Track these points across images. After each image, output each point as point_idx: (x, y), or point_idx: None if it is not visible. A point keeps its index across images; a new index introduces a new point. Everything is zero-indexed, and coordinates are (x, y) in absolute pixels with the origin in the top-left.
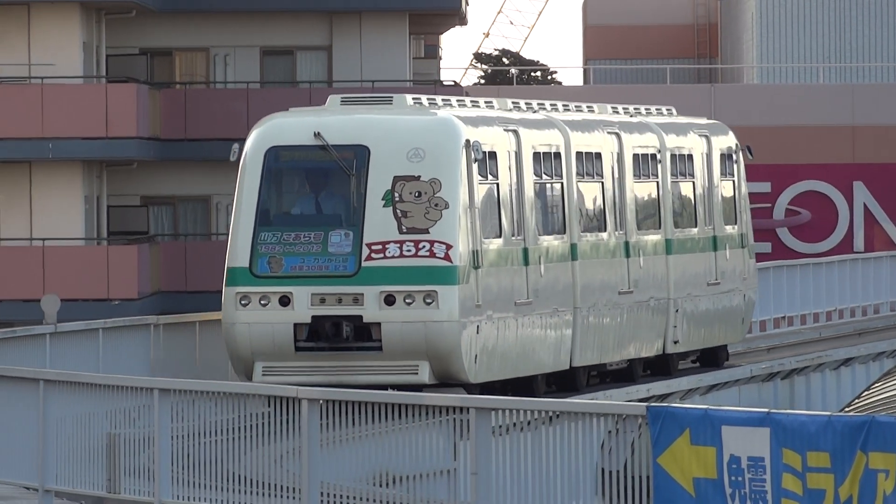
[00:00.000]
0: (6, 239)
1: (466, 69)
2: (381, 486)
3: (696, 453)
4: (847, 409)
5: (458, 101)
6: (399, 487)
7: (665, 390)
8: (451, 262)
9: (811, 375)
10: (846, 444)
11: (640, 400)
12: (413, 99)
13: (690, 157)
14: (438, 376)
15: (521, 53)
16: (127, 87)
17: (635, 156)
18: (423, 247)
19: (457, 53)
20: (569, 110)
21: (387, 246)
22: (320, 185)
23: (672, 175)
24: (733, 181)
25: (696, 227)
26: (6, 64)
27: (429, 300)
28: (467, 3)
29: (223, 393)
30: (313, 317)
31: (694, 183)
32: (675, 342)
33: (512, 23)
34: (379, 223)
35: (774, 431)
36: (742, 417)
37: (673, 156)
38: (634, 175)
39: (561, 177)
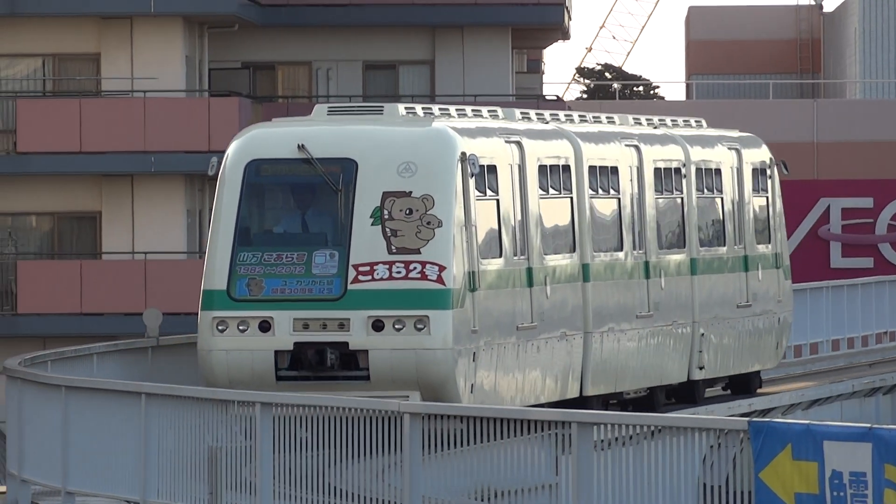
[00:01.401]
0: (108, 252)
1: (569, 84)
2: (482, 500)
3: (798, 468)
4: None
5: (457, 110)
6: (500, 502)
7: (767, 405)
8: (444, 284)
9: None
10: None
11: (742, 415)
12: (406, 109)
13: (718, 171)
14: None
15: (623, 68)
16: (229, 100)
17: (657, 169)
18: (414, 268)
19: (559, 68)
20: (585, 121)
21: (375, 267)
22: (304, 202)
23: (698, 190)
24: (767, 197)
25: (724, 245)
26: (109, 78)
27: (420, 326)
28: (570, 18)
29: (323, 406)
30: (296, 343)
31: (722, 199)
32: (701, 368)
33: (615, 37)
34: (367, 243)
35: (876, 447)
36: (844, 432)
37: (699, 169)
38: (656, 190)
39: (570, 191)
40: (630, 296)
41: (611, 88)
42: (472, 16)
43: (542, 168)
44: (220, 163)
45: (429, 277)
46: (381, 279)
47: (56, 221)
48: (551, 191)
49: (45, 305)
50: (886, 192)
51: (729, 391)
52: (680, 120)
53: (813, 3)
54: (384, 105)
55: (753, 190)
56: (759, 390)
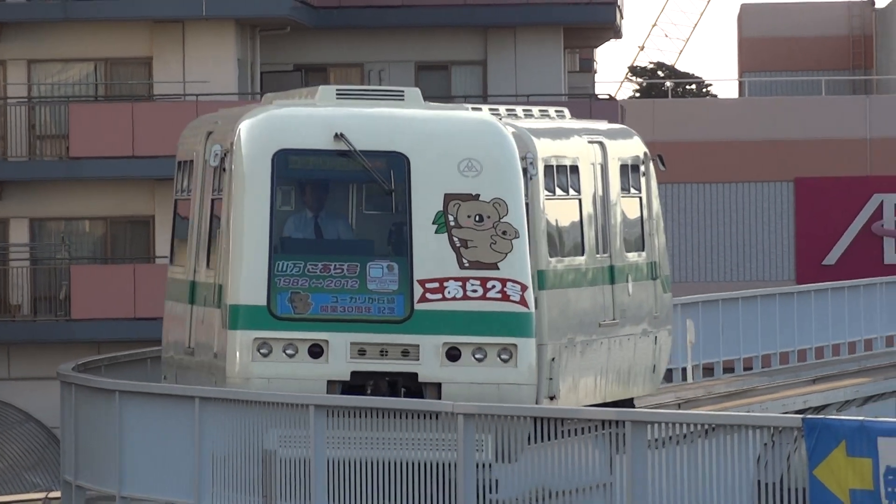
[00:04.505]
0: (162, 257)
1: (622, 83)
2: (537, 501)
3: (852, 465)
4: None
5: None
6: (556, 502)
7: (821, 402)
8: (528, 307)
9: None
10: None
11: (797, 412)
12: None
13: (575, 168)
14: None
15: (676, 66)
16: None
17: None
18: (493, 286)
19: (612, 67)
20: None
21: (445, 284)
22: (348, 203)
23: (547, 190)
24: (640, 197)
25: (582, 254)
26: (161, 82)
27: (505, 356)
28: (622, 17)
29: (381, 409)
30: (353, 373)
31: (580, 200)
32: (552, 398)
33: (667, 36)
34: (432, 254)
35: None
36: None
37: (548, 167)
38: None
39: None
40: None
41: (663, 87)
42: (525, 16)
43: None
44: (226, 151)
45: (511, 298)
46: (454, 298)
47: (109, 226)
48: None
49: (98, 310)
50: None
51: None
52: (535, 110)
53: None
54: (404, 89)
55: (622, 189)
56: None
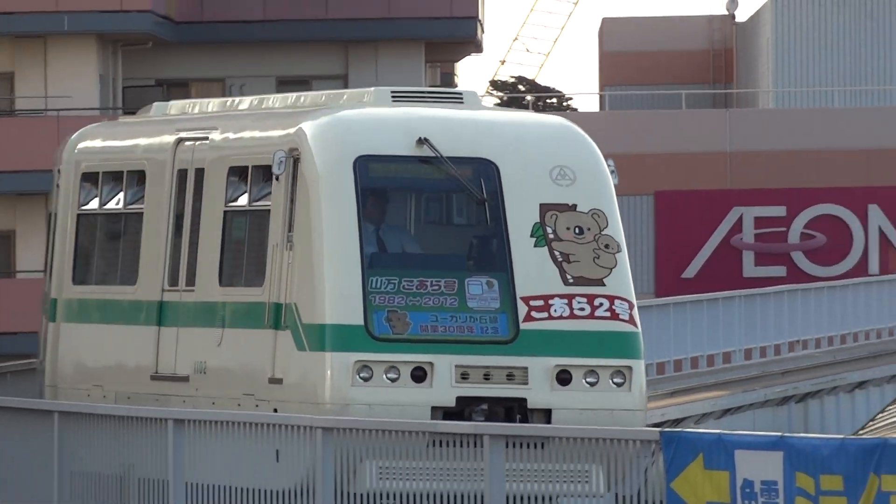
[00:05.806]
0: (23, 271)
1: (483, 97)
2: None
3: (709, 478)
4: (861, 432)
5: None
6: None
7: (679, 415)
8: (636, 326)
9: (825, 398)
10: (859, 467)
11: (654, 425)
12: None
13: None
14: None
15: (537, 80)
16: None
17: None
18: (601, 304)
19: (473, 81)
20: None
21: (550, 301)
22: (437, 214)
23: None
24: None
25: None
26: (23, 97)
27: (619, 380)
28: (483, 31)
29: (234, 423)
30: (458, 398)
31: None
32: None
33: (528, 50)
34: (534, 269)
35: (788, 455)
36: (755, 441)
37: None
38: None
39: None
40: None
41: (524, 101)
42: (386, 30)
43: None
44: (288, 157)
45: (620, 317)
46: (561, 317)
47: None
48: None
49: None
50: (798, 200)
51: None
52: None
53: (726, 13)
54: (463, 91)
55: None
56: None
